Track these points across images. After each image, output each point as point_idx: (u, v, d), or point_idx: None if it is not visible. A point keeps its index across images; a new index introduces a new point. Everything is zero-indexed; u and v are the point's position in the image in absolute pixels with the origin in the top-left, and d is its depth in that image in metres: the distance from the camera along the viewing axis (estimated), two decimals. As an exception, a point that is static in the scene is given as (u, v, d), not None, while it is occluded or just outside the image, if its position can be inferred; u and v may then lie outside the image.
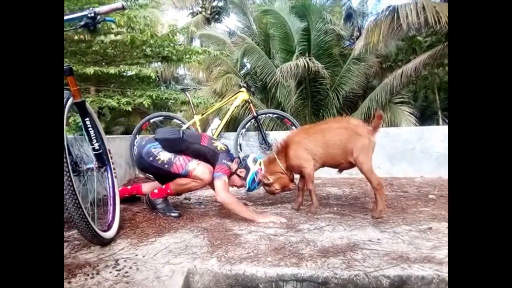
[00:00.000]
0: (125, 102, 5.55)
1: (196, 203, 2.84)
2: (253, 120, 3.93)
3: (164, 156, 2.32)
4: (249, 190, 2.57)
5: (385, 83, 9.11)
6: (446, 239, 1.82)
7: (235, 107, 4.02)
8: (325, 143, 2.40)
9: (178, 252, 1.70)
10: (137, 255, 1.68)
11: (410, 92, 11.42)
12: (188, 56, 6.52)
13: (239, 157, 2.57)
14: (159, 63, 9.06)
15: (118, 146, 3.67)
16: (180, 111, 8.67)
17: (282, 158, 2.53)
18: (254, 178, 2.48)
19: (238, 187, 2.60)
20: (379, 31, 7.47)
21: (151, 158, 2.32)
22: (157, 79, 7.83)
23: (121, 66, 5.81)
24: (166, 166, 2.31)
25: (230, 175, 2.44)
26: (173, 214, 2.37)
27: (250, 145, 4.04)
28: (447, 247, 1.69)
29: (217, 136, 3.92)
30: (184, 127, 3.87)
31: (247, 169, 2.47)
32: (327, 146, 2.40)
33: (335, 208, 2.56)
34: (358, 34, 11.92)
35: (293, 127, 3.94)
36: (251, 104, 3.98)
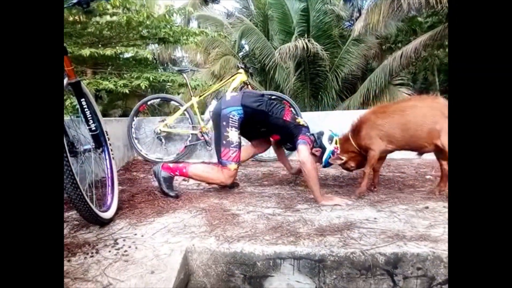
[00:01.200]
0: (122, 85, 5.51)
1: (194, 184, 2.85)
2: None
3: (232, 135, 2.31)
4: (324, 166, 2.55)
5: (384, 65, 9.02)
6: (442, 218, 1.84)
7: (233, 89, 3.98)
8: (405, 124, 2.21)
9: (176, 232, 1.72)
10: (136, 234, 1.70)
11: (410, 74, 11.33)
12: (185, 37, 6.43)
13: (313, 134, 2.49)
14: (156, 45, 8.93)
15: (116, 129, 3.66)
16: (178, 94, 8.60)
17: (355, 137, 2.43)
18: (330, 157, 2.45)
19: None
20: (379, 11, 7.35)
21: (224, 123, 2.32)
22: (154, 61, 7.74)
23: (117, 47, 5.73)
24: (223, 141, 2.32)
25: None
26: (171, 194, 2.37)
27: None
28: (443, 226, 1.71)
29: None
30: (182, 109, 3.86)
31: (323, 148, 2.43)
32: (407, 128, 2.21)
33: (333, 189, 2.58)
34: (358, 14, 11.72)
35: (292, 109, 3.92)
36: (249, 86, 3.94)
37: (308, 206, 2.12)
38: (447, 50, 11.31)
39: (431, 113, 2.15)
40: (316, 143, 2.43)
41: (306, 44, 8.42)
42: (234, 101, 2.37)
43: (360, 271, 1.47)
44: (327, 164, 2.48)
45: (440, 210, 1.97)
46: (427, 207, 2.02)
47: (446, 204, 2.07)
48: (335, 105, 9.55)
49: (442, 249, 1.46)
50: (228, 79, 3.99)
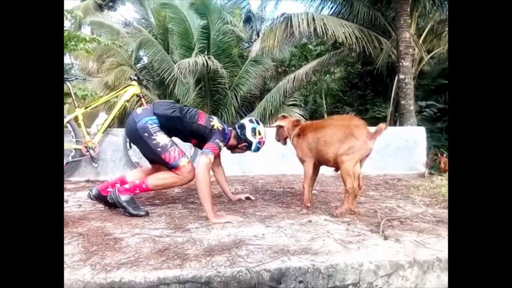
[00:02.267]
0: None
1: (74, 205, 2.54)
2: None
3: (162, 139, 2.25)
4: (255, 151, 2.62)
5: (279, 86, 9.63)
6: (322, 230, 1.98)
7: (125, 101, 3.74)
8: (318, 139, 2.35)
9: (42, 263, 1.48)
10: (-14, 271, 1.41)
11: (302, 96, 12.32)
12: (73, 43, 5.85)
13: (235, 128, 2.53)
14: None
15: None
16: (64, 103, 7.76)
17: (295, 137, 2.52)
18: (258, 147, 2.54)
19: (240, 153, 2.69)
20: (274, 36, 7.84)
21: (146, 134, 2.22)
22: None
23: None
24: (159, 149, 2.23)
25: (231, 147, 2.57)
26: (141, 213, 2.23)
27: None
28: (322, 239, 1.84)
29: (103, 132, 3.60)
30: (65, 120, 3.46)
31: (248, 142, 2.50)
32: (318, 143, 2.35)
33: (226, 206, 2.58)
34: (256, 37, 12.35)
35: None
36: (142, 99, 3.76)
37: (199, 225, 2.07)
38: (333, 76, 12.72)
39: (340, 132, 2.27)
40: (240, 138, 2.51)
41: (206, 60, 8.47)
42: (146, 112, 2.30)
43: (246, 290, 1.47)
44: (257, 150, 2.58)
45: (321, 223, 2.13)
46: (310, 221, 2.16)
47: (328, 217, 2.25)
48: (234, 122, 9.77)
49: (321, 261, 1.55)
50: (119, 90, 3.75)
